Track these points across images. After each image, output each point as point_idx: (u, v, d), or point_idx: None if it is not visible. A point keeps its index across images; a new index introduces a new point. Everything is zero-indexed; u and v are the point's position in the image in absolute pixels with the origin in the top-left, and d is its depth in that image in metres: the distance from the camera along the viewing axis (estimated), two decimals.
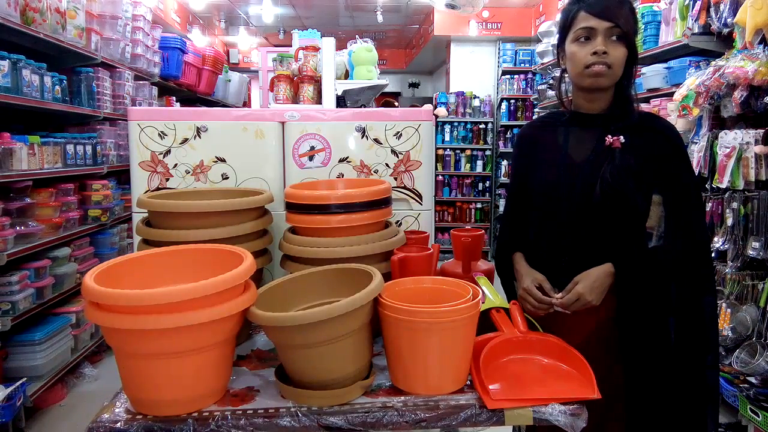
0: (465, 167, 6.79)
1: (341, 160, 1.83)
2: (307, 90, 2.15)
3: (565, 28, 1.42)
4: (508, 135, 6.81)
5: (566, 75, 1.47)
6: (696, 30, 3.14)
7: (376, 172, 1.85)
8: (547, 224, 1.47)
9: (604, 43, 1.34)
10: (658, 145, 1.40)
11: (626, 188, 1.37)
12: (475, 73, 7.13)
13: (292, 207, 1.50)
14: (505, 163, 6.80)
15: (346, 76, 2.46)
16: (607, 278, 1.36)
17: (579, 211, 1.41)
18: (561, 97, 1.53)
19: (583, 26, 1.36)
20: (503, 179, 6.79)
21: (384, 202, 1.50)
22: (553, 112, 1.58)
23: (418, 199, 1.87)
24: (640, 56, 3.80)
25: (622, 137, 1.38)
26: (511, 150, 6.66)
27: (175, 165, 1.80)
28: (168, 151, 1.79)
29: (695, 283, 1.42)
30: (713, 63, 2.87)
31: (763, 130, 2.59)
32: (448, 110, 6.65)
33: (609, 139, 1.39)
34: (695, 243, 1.41)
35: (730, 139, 2.76)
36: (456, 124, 6.75)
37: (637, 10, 1.42)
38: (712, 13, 2.97)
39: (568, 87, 1.51)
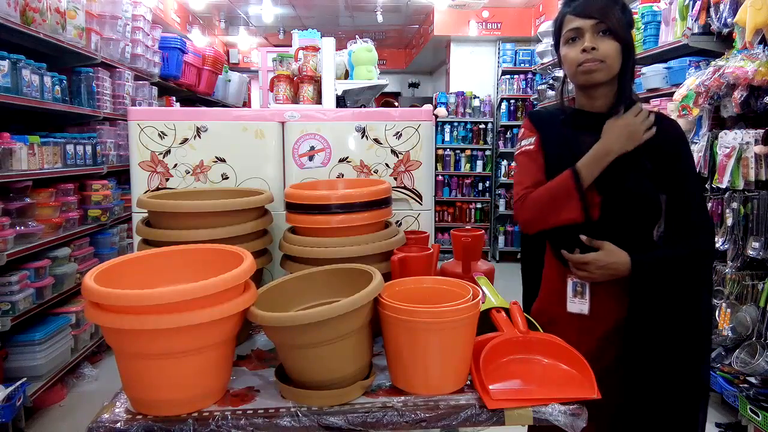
0: (465, 167, 6.80)
1: (341, 160, 1.83)
2: (307, 90, 2.15)
3: (557, 34, 1.46)
4: (508, 135, 6.81)
5: (568, 80, 1.48)
6: (696, 30, 3.14)
7: (376, 172, 1.85)
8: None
9: (592, 39, 1.36)
10: (667, 144, 1.40)
11: (649, 192, 1.37)
12: (475, 73, 7.13)
13: (292, 207, 1.49)
14: (504, 163, 6.80)
15: (346, 76, 2.46)
16: (622, 268, 1.34)
17: (604, 210, 1.39)
18: (562, 99, 1.53)
19: (570, 28, 1.39)
20: (503, 179, 6.79)
21: (384, 202, 1.50)
22: (557, 108, 1.55)
23: (418, 199, 1.87)
24: (640, 56, 3.83)
25: None
26: (512, 150, 6.66)
27: (175, 165, 1.79)
28: (168, 151, 1.79)
29: (696, 279, 1.42)
30: (713, 63, 2.87)
31: (763, 130, 2.59)
32: (448, 110, 6.65)
33: None
34: (707, 239, 1.41)
35: (730, 139, 2.76)
36: (456, 124, 6.75)
37: (630, 6, 1.41)
38: (712, 13, 2.97)
39: (570, 88, 1.52)
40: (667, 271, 1.37)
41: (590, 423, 1.09)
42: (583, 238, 1.37)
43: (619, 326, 1.43)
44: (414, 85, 10.89)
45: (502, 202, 6.81)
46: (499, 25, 6.90)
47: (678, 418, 1.41)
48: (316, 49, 2.22)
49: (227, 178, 1.81)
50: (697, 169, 2.99)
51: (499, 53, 6.93)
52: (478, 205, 6.86)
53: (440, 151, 6.72)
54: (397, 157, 1.85)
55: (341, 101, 2.30)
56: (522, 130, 1.56)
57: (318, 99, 2.16)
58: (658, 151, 1.39)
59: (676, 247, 1.38)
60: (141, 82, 4.39)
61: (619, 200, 1.38)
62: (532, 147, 1.49)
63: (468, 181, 6.82)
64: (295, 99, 2.19)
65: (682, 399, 1.40)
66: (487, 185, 6.83)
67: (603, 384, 1.13)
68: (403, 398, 1.12)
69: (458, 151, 6.79)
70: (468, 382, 1.17)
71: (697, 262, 1.39)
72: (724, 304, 2.78)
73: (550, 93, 5.57)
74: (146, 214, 1.52)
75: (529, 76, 6.73)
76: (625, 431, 1.42)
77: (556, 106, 1.56)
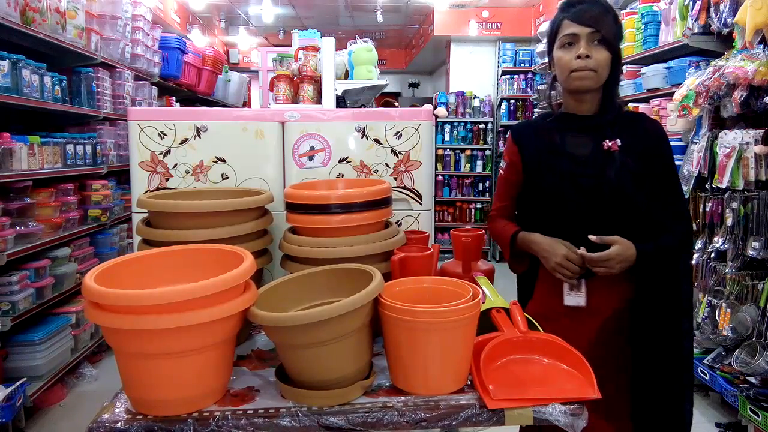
0: (465, 167, 6.80)
1: (341, 160, 1.83)
2: (307, 90, 2.15)
3: (552, 36, 1.52)
4: (508, 135, 6.81)
5: (557, 82, 1.55)
6: (696, 30, 3.14)
7: (376, 172, 1.85)
8: (557, 217, 1.52)
9: (587, 47, 1.43)
10: (651, 143, 1.50)
11: (629, 189, 1.45)
12: (475, 73, 7.12)
13: (292, 207, 1.49)
14: None
15: (346, 76, 2.46)
16: (633, 258, 1.41)
17: (588, 206, 1.48)
18: (551, 101, 1.62)
19: (567, 33, 1.46)
20: None
21: (384, 202, 1.50)
22: (542, 114, 1.66)
23: (418, 199, 1.87)
24: (639, 56, 3.85)
25: (618, 141, 1.47)
26: None
27: (175, 165, 1.79)
28: (168, 151, 1.79)
29: (679, 263, 1.54)
30: (713, 63, 2.86)
31: (763, 130, 2.59)
32: (448, 110, 6.65)
33: (607, 143, 1.48)
34: (688, 226, 1.53)
35: (730, 139, 2.76)
36: (456, 124, 6.75)
37: (621, 18, 1.53)
38: (712, 13, 2.97)
39: (555, 92, 1.60)
40: (663, 258, 1.47)
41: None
42: (593, 237, 1.43)
43: (617, 316, 1.51)
44: (414, 85, 10.88)
45: None
46: (499, 25, 6.90)
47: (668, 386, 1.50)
48: (316, 49, 2.21)
49: (227, 178, 1.81)
50: (697, 170, 2.99)
51: (499, 53, 6.93)
52: (478, 205, 6.86)
53: (440, 151, 6.71)
54: (397, 157, 1.85)
55: (341, 101, 2.30)
56: (505, 146, 1.68)
57: (318, 99, 2.16)
58: (642, 149, 1.49)
59: (667, 235, 1.47)
60: (141, 82, 4.39)
61: (601, 192, 1.46)
62: (505, 171, 1.65)
63: (468, 181, 6.82)
64: (295, 99, 2.19)
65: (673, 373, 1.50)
66: (487, 185, 6.83)
67: (606, 368, 1.18)
68: (403, 398, 1.12)
69: (458, 151, 6.79)
70: (468, 382, 1.17)
71: (684, 247, 1.52)
72: (724, 304, 2.78)
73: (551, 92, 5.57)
74: (146, 214, 1.52)
75: (529, 76, 6.73)
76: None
77: (541, 113, 1.66)
